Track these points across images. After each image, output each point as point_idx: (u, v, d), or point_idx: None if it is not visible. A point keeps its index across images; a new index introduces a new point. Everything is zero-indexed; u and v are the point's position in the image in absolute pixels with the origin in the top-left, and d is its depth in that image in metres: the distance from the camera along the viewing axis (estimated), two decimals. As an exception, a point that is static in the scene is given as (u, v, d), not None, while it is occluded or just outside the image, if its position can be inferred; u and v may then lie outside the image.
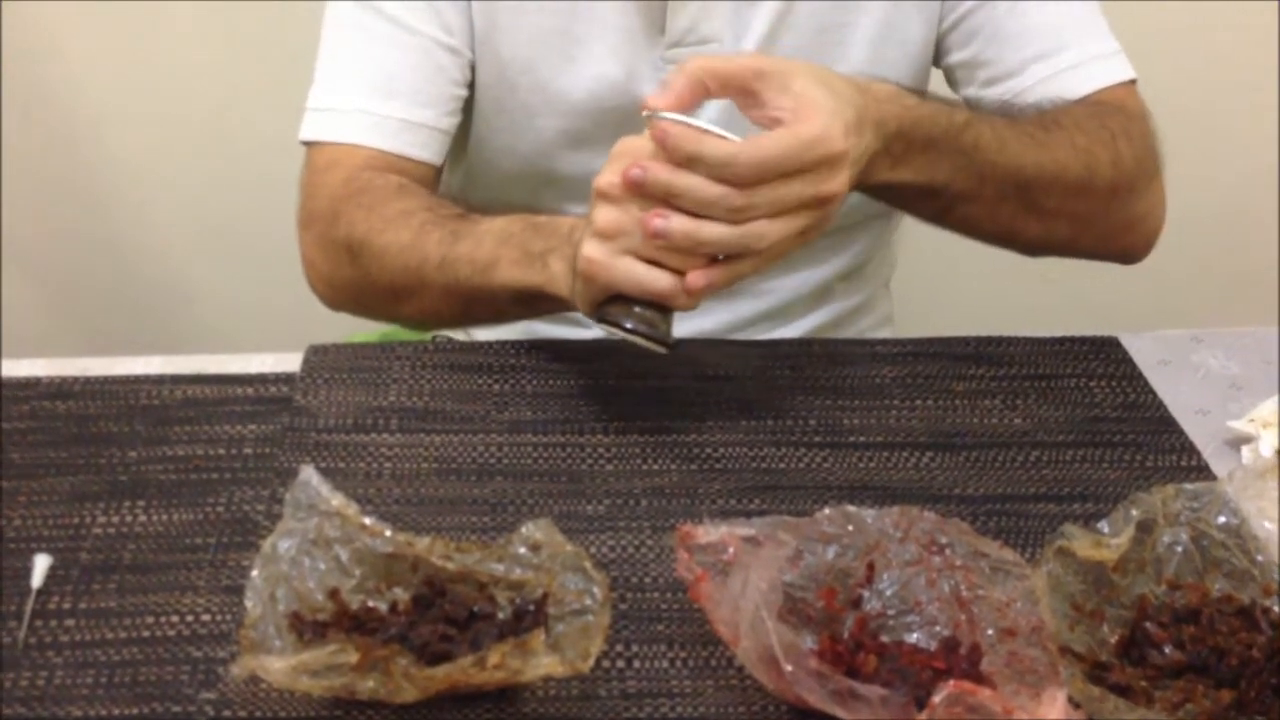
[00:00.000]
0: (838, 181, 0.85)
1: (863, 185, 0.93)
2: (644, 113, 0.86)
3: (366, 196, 1.04)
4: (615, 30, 1.08)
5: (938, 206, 1.00)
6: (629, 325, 0.87)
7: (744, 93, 0.87)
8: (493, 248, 0.96)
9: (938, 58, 1.15)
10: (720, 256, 0.87)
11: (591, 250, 0.87)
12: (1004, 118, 1.02)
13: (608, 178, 0.86)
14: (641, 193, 0.84)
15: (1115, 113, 1.07)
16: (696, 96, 0.87)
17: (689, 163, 0.83)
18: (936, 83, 1.15)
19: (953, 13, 1.10)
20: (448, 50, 1.09)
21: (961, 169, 0.96)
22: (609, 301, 0.88)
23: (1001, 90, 1.10)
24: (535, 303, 0.97)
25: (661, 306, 0.88)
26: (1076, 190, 1.02)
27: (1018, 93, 1.09)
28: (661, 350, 0.89)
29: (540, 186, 1.15)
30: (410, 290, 1.02)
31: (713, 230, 0.84)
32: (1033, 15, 1.09)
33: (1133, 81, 1.10)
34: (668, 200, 0.84)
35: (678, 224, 0.84)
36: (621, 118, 1.08)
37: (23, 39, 1.80)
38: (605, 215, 0.86)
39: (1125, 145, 1.05)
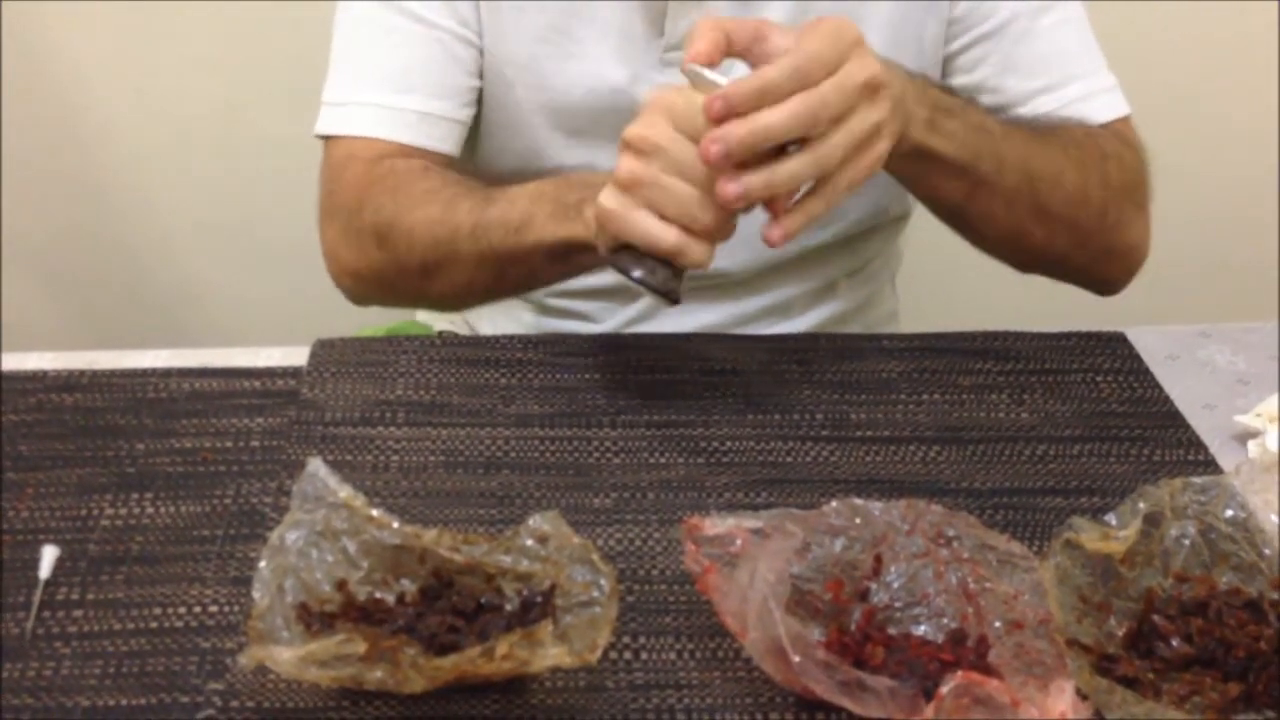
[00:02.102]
0: (873, 63, 0.86)
1: (906, 147, 0.93)
2: (685, 68, 0.87)
3: (391, 180, 1.05)
4: (615, 31, 1.07)
5: (963, 192, 1.00)
6: (636, 274, 0.88)
7: (755, 43, 0.89)
8: (526, 206, 0.97)
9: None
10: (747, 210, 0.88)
11: (608, 200, 0.87)
12: (999, 117, 1.03)
13: (638, 129, 0.87)
14: (729, 164, 0.84)
15: (1111, 137, 1.08)
16: (721, 51, 0.88)
17: (756, 104, 0.84)
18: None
19: (959, 37, 1.10)
20: (463, 42, 1.09)
21: (981, 147, 0.97)
22: (624, 246, 0.89)
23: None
24: (570, 257, 0.97)
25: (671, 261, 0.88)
26: (1075, 199, 1.03)
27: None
28: (667, 303, 0.89)
29: None
30: (441, 264, 1.02)
31: (788, 167, 0.85)
32: (1042, 47, 1.09)
33: (1128, 117, 1.11)
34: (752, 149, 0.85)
35: (754, 180, 0.85)
36: (618, 119, 1.08)
37: (26, 35, 1.80)
38: (627, 166, 0.87)
39: (1115, 169, 1.06)
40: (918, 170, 0.98)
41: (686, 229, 0.86)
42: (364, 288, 1.10)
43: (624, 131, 0.87)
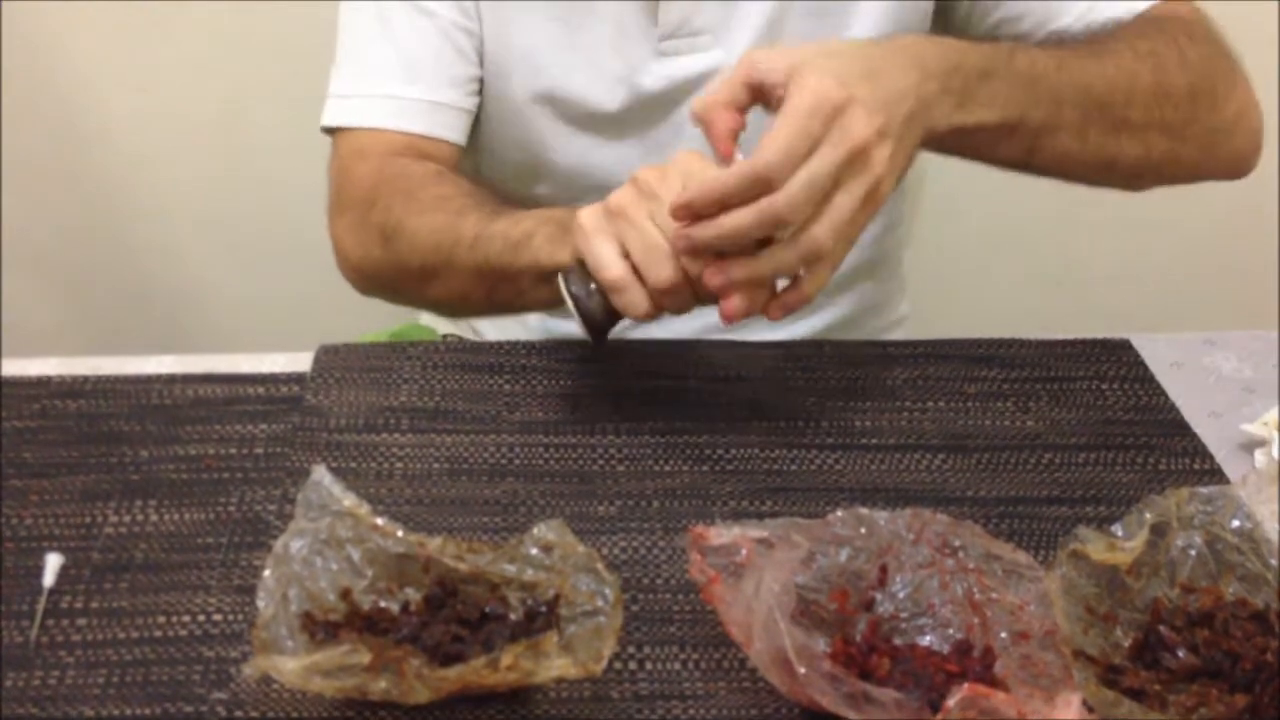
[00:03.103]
0: (859, 129, 0.82)
1: (936, 136, 0.90)
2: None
3: (403, 181, 1.05)
4: (611, 22, 1.08)
5: (1022, 147, 0.95)
6: (574, 289, 0.88)
7: (759, 95, 0.87)
8: (530, 225, 0.97)
9: (964, 31, 1.11)
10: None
11: (586, 216, 0.88)
12: (1050, 44, 0.99)
13: (649, 173, 0.87)
14: (698, 258, 0.84)
15: (1170, 18, 1.03)
16: (739, 118, 0.87)
17: (717, 208, 0.83)
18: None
19: None
20: (465, 31, 1.10)
21: (1030, 97, 0.93)
22: (581, 265, 0.89)
23: (1043, 37, 1.05)
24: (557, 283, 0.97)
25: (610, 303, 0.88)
26: (1156, 96, 0.98)
27: (1061, 34, 1.05)
28: (586, 336, 0.89)
29: (534, 178, 1.16)
30: (439, 271, 1.02)
31: (772, 258, 0.84)
32: None
33: None
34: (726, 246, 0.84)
35: (737, 272, 0.84)
36: (615, 108, 1.09)
37: (27, 35, 1.80)
38: (619, 196, 0.87)
39: (1188, 45, 1.00)
40: (961, 144, 0.94)
41: (637, 273, 0.86)
42: (367, 283, 1.11)
43: (637, 170, 0.88)
